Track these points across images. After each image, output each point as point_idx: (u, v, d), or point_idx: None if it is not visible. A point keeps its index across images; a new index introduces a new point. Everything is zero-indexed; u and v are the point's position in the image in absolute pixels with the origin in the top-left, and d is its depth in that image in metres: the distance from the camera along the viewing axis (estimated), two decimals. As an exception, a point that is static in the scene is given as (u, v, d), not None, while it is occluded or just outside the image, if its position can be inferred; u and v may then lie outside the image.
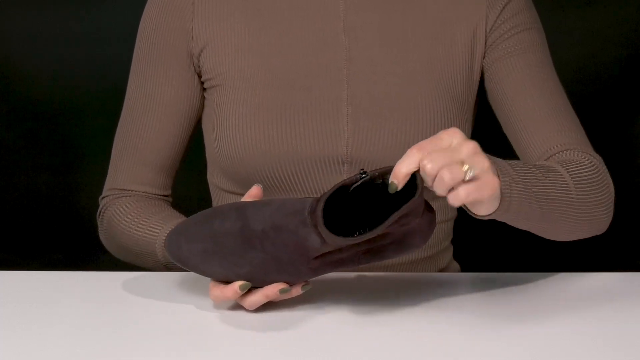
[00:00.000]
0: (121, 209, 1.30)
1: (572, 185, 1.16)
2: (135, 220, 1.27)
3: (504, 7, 1.31)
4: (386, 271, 1.28)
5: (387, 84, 1.27)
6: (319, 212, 1.00)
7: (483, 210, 1.02)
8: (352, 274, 1.22)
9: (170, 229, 1.22)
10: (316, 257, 1.04)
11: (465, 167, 0.96)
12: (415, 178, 0.99)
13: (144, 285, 1.16)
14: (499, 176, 1.02)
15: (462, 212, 1.38)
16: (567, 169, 1.17)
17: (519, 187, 1.05)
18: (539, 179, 1.09)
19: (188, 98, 1.32)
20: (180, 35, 1.30)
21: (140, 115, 1.32)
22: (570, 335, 1.03)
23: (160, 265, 1.25)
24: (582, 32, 1.82)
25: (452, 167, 0.95)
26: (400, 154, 1.24)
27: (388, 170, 1.00)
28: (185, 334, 1.02)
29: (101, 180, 1.40)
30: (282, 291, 1.05)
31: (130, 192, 1.32)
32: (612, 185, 1.24)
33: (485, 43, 1.31)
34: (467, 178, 0.96)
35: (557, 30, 1.79)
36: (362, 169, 1.01)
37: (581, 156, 1.24)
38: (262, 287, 1.06)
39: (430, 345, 1.01)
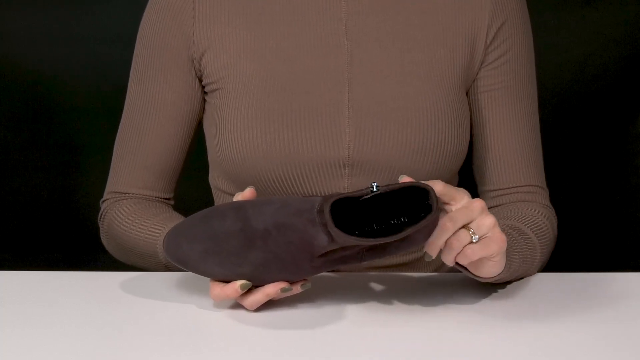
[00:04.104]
0: (122, 211, 1.30)
1: (538, 255, 1.22)
2: (137, 222, 1.27)
3: (503, 23, 1.31)
4: (385, 271, 1.28)
5: (389, 86, 1.27)
6: (327, 213, 1.00)
7: (488, 270, 1.09)
8: (351, 274, 1.23)
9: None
10: (320, 255, 1.04)
11: (474, 235, 1.05)
12: (426, 192, 1.01)
13: (143, 285, 1.16)
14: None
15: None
16: (539, 239, 1.23)
17: (515, 265, 1.14)
18: (524, 244, 1.18)
19: (188, 102, 1.32)
20: (181, 40, 1.30)
21: (140, 119, 1.32)
22: (570, 335, 1.03)
23: (162, 266, 1.25)
24: (582, 32, 1.82)
25: (459, 239, 1.04)
26: (401, 155, 1.25)
27: (399, 187, 1.02)
28: (185, 334, 1.03)
29: (101, 180, 1.40)
30: (283, 290, 1.06)
31: (130, 195, 1.32)
32: (555, 237, 1.31)
33: (484, 54, 1.31)
34: (473, 241, 1.05)
35: (557, 30, 1.79)
36: (375, 183, 1.03)
37: (541, 217, 1.28)
38: (263, 285, 1.06)
39: (429, 344, 1.01)
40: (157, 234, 1.24)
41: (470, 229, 1.05)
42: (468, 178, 1.42)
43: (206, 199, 1.42)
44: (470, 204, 1.06)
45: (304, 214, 1.02)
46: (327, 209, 1.00)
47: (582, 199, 1.33)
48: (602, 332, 1.04)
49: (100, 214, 1.35)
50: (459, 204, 1.06)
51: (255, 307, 1.07)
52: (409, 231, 1.00)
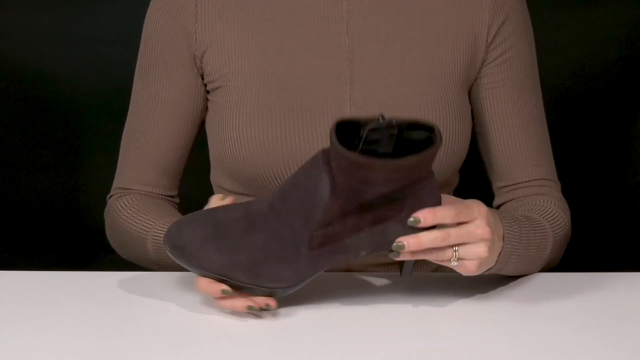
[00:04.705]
0: (123, 204, 1.31)
1: (550, 245, 1.23)
2: (134, 215, 1.28)
3: (504, 21, 1.31)
4: (385, 271, 1.28)
5: (389, 85, 1.27)
6: (333, 131, 0.99)
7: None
8: (351, 274, 1.23)
9: (163, 224, 1.23)
10: (319, 245, 1.03)
11: (455, 260, 1.06)
12: (430, 129, 1.01)
13: (143, 285, 1.16)
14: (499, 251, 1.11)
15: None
16: (552, 229, 1.24)
17: (514, 260, 1.15)
18: (533, 232, 1.19)
19: (191, 100, 1.32)
20: (183, 38, 1.30)
21: (144, 116, 1.33)
22: (570, 335, 1.03)
23: (152, 263, 1.25)
24: (582, 32, 1.82)
25: (445, 253, 1.05)
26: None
27: (407, 122, 1.02)
28: (185, 334, 1.03)
29: (101, 180, 1.40)
30: (249, 308, 1.05)
31: (135, 191, 1.33)
32: (570, 228, 1.31)
33: (485, 53, 1.31)
34: (450, 264, 1.06)
35: (557, 30, 1.79)
36: (381, 114, 1.02)
37: (556, 207, 1.29)
38: (254, 289, 1.06)
39: (429, 344, 1.01)
40: (149, 228, 1.25)
41: (456, 251, 1.05)
42: (471, 177, 1.42)
43: (207, 198, 1.42)
44: (475, 229, 1.05)
45: (307, 165, 1.03)
46: (333, 128, 1.00)
47: (582, 199, 1.34)
48: (602, 332, 1.04)
49: (106, 209, 1.36)
50: (472, 224, 1.06)
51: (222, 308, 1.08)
52: (409, 159, 0.99)
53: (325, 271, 1.06)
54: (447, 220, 1.04)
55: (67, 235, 1.94)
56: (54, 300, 1.12)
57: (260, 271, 1.05)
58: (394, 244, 1.04)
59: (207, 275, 1.06)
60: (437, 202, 1.05)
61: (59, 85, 1.88)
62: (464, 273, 1.08)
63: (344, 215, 1.03)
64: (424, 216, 1.03)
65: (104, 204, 1.38)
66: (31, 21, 1.87)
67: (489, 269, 1.12)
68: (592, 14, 1.82)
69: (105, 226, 1.36)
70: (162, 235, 1.22)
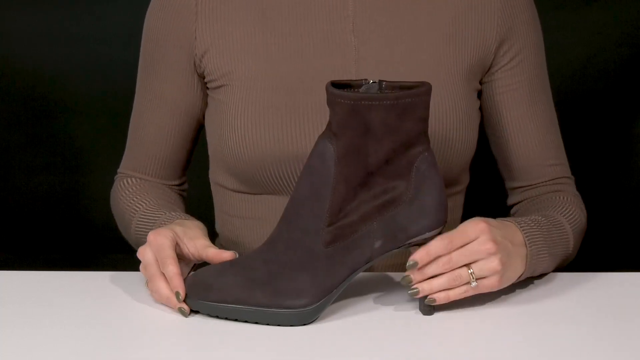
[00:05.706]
0: (123, 184, 1.35)
1: (572, 245, 1.25)
2: (129, 196, 1.32)
3: (514, 23, 1.31)
4: (386, 271, 1.28)
5: None
6: (328, 84, 1.04)
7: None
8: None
9: (152, 208, 1.26)
10: (330, 242, 1.03)
11: (473, 280, 1.07)
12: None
13: (143, 285, 1.16)
14: (525, 260, 1.14)
15: (463, 215, 1.37)
16: (570, 224, 1.26)
17: (542, 263, 1.17)
18: (556, 249, 1.20)
19: (188, 96, 1.32)
20: (182, 36, 1.30)
21: (143, 109, 1.34)
22: (571, 335, 1.03)
23: (134, 245, 1.29)
24: (582, 32, 1.82)
25: (460, 277, 1.07)
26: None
27: (397, 84, 1.06)
28: (184, 334, 1.03)
29: (101, 180, 1.40)
30: (177, 295, 1.07)
31: (134, 176, 1.36)
32: (585, 226, 1.33)
33: (495, 56, 1.31)
34: (471, 286, 1.07)
35: (557, 30, 1.79)
36: (372, 81, 1.08)
37: (571, 203, 1.30)
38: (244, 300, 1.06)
39: (429, 345, 1.01)
40: (136, 209, 1.28)
41: (472, 274, 1.07)
42: (482, 176, 1.42)
43: (204, 196, 1.41)
44: (478, 246, 1.07)
45: (312, 149, 1.07)
46: (328, 83, 1.04)
47: (582, 199, 1.34)
48: (602, 332, 1.04)
49: (112, 188, 1.39)
50: (474, 242, 1.07)
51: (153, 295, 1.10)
52: (403, 93, 1.03)
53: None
54: (442, 252, 1.06)
55: (67, 236, 1.94)
56: (54, 300, 1.12)
57: (278, 286, 1.04)
58: (402, 278, 1.07)
59: (223, 312, 1.05)
60: (439, 177, 1.06)
61: (59, 85, 1.88)
62: (489, 290, 1.09)
63: (352, 193, 1.04)
64: (420, 257, 1.06)
65: (103, 204, 1.38)
66: (31, 21, 1.87)
67: (521, 275, 1.13)
68: (592, 14, 1.82)
69: (110, 202, 1.39)
70: (145, 220, 1.26)
